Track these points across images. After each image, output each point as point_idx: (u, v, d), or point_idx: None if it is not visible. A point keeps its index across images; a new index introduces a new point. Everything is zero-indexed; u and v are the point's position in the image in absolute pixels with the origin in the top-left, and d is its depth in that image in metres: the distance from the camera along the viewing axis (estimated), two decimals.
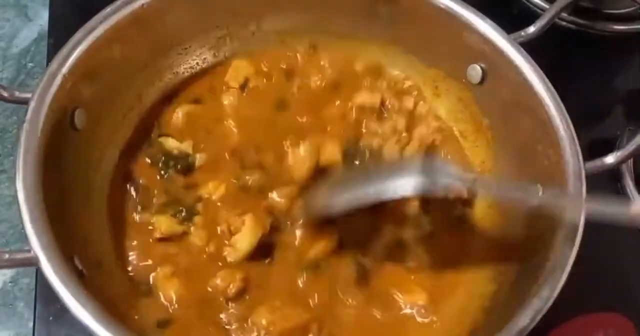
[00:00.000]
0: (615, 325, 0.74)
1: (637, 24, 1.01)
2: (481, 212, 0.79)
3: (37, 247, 0.57)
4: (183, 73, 0.84)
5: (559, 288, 0.60)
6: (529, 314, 0.59)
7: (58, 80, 0.67)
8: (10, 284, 0.78)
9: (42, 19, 0.99)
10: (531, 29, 0.76)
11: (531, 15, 0.99)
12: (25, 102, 0.65)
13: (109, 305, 0.59)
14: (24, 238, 0.58)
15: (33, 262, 0.57)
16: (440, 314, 0.71)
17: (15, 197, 0.59)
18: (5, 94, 0.66)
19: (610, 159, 0.68)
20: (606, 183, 0.86)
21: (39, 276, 0.73)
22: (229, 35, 0.85)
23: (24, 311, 0.76)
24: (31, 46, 0.97)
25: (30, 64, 0.96)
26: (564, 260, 0.62)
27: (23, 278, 0.78)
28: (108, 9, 0.72)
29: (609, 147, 0.89)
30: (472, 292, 0.73)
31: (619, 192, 0.86)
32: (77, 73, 0.69)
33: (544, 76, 0.71)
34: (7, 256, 0.57)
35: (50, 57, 0.72)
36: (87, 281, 0.60)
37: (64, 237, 0.61)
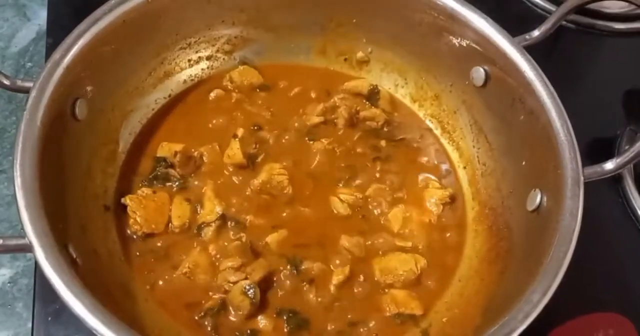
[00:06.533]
0: (615, 325, 0.73)
1: (637, 23, 1.02)
2: (473, 214, 0.79)
3: (31, 234, 0.57)
4: (185, 67, 0.85)
5: (552, 291, 0.60)
6: (519, 316, 0.59)
7: (60, 70, 0.67)
8: (9, 284, 0.78)
9: (40, 18, 0.99)
10: (535, 33, 0.76)
11: (532, 15, 1.00)
12: (26, 91, 0.65)
13: (103, 293, 0.60)
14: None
15: (26, 249, 0.57)
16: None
17: (14, 196, 0.59)
18: (7, 82, 0.66)
19: (609, 165, 0.68)
20: (607, 184, 0.86)
21: (38, 276, 0.73)
22: (233, 30, 0.85)
23: (23, 311, 0.76)
24: (30, 46, 0.97)
25: (29, 64, 0.96)
26: (558, 263, 0.62)
27: (22, 279, 0.78)
28: (113, 1, 0.73)
29: (609, 146, 0.89)
30: (462, 293, 0.73)
31: (619, 193, 0.86)
32: (79, 64, 0.69)
33: (547, 80, 0.72)
34: (1, 241, 0.57)
35: (48, 57, 0.72)
36: (81, 269, 0.61)
37: (60, 224, 0.61)
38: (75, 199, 0.69)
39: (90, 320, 0.54)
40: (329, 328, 0.70)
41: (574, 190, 0.65)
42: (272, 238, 0.74)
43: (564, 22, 0.78)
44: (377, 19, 0.84)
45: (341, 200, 0.77)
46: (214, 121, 0.83)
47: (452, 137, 0.85)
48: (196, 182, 0.77)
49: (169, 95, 0.84)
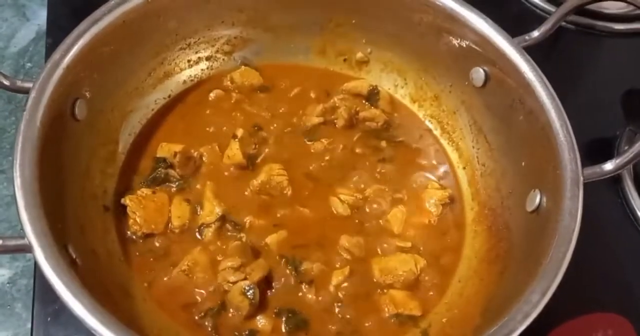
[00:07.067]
0: (614, 325, 0.74)
1: (636, 24, 1.02)
2: (472, 214, 0.79)
3: (30, 234, 0.57)
4: (185, 67, 0.85)
5: (551, 292, 0.60)
6: (519, 316, 0.59)
7: (60, 71, 0.67)
8: (8, 285, 0.78)
9: (40, 18, 0.99)
10: (535, 34, 0.76)
11: (531, 16, 1.00)
12: (26, 91, 0.65)
13: (102, 293, 0.60)
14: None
15: (26, 249, 0.57)
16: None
17: (14, 197, 0.59)
18: (7, 83, 0.66)
19: (609, 166, 0.68)
20: (606, 184, 0.86)
21: (37, 276, 0.73)
22: (232, 30, 0.85)
23: (22, 312, 0.76)
24: (29, 46, 0.97)
25: (29, 64, 0.96)
26: (558, 264, 0.62)
27: (21, 279, 0.78)
28: (113, 2, 0.73)
29: (608, 147, 0.89)
30: (462, 293, 0.73)
31: (619, 194, 0.86)
32: (79, 64, 0.69)
33: (547, 81, 0.72)
34: (0, 242, 0.58)
35: (48, 58, 0.72)
36: (80, 269, 0.61)
37: (59, 225, 0.61)
38: (75, 199, 0.69)
39: (90, 320, 0.55)
40: (327, 328, 0.70)
41: (573, 190, 0.65)
42: (271, 239, 0.74)
43: (563, 23, 0.79)
44: (377, 20, 0.84)
45: (341, 201, 0.77)
46: (214, 121, 0.83)
47: (452, 137, 0.85)
48: (196, 183, 0.77)
49: (169, 96, 0.84)
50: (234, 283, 0.69)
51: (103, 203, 0.74)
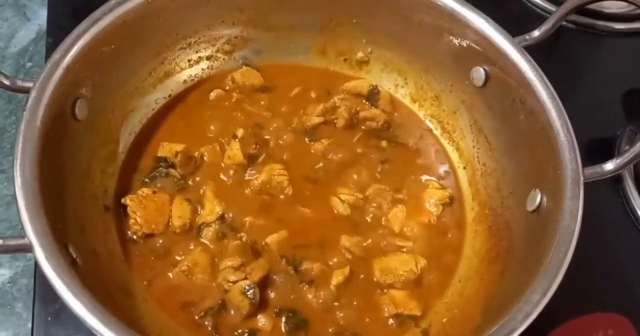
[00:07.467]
0: (614, 325, 0.74)
1: (636, 23, 1.02)
2: (472, 214, 0.79)
3: (31, 234, 0.57)
4: (185, 67, 0.85)
5: (552, 292, 0.60)
6: (519, 316, 0.59)
7: (60, 70, 0.67)
8: (8, 284, 0.78)
9: (40, 18, 0.99)
10: (535, 33, 0.76)
11: (532, 15, 1.00)
12: (26, 91, 0.65)
13: (102, 293, 0.60)
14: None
15: (26, 249, 0.57)
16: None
17: (14, 196, 0.59)
18: (7, 82, 0.66)
19: (609, 166, 0.68)
20: (607, 184, 0.86)
21: (38, 276, 0.73)
22: (233, 30, 0.85)
23: (23, 311, 0.76)
24: (30, 46, 0.97)
25: (29, 64, 0.96)
26: (558, 264, 0.62)
27: (21, 279, 0.78)
28: (113, 2, 0.73)
29: (608, 147, 0.89)
30: (462, 293, 0.73)
31: (619, 193, 0.86)
32: (79, 64, 0.69)
33: (547, 80, 0.72)
34: (1, 242, 0.58)
35: (48, 58, 0.72)
36: (81, 269, 0.61)
37: (60, 225, 0.61)
38: (75, 199, 0.69)
39: (90, 319, 0.55)
40: (327, 328, 0.70)
41: (573, 190, 0.65)
42: (272, 239, 0.74)
43: (564, 22, 0.79)
44: (377, 19, 0.84)
45: (341, 200, 0.77)
46: (214, 121, 0.83)
47: (452, 137, 0.85)
48: (196, 182, 0.77)
49: (169, 95, 0.84)
50: (234, 282, 0.69)
51: (103, 203, 0.74)
